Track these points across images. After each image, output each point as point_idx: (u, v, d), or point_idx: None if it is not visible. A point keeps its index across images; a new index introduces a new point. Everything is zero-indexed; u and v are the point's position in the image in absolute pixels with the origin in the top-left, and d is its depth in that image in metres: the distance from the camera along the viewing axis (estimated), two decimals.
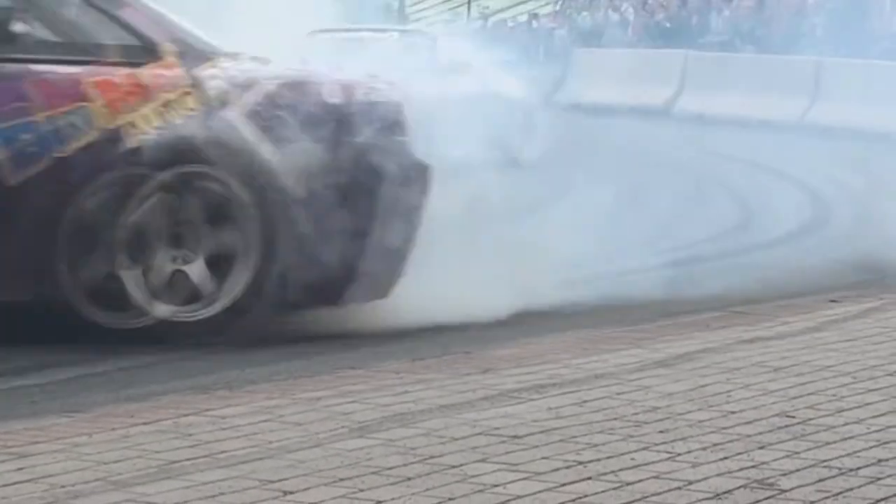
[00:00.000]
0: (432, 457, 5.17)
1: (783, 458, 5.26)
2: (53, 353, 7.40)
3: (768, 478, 4.99)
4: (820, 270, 11.27)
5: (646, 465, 5.13)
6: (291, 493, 4.72)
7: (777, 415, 5.98)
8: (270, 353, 7.66)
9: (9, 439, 5.35)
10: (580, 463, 5.11)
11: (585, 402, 6.14)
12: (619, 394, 6.33)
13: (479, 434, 5.52)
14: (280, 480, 4.86)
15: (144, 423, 5.66)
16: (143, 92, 7.85)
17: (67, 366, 7.20)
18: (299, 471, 4.98)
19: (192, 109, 7.85)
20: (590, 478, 4.91)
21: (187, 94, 7.88)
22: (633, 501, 4.67)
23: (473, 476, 4.94)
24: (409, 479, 4.89)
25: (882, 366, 7.18)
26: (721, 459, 5.21)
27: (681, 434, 5.58)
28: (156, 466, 4.96)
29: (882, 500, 4.82)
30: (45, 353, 7.37)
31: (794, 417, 5.94)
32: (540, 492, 4.76)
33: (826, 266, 11.51)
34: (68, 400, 6.36)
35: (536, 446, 5.36)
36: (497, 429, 5.61)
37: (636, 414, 5.92)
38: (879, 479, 5.03)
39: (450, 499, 4.64)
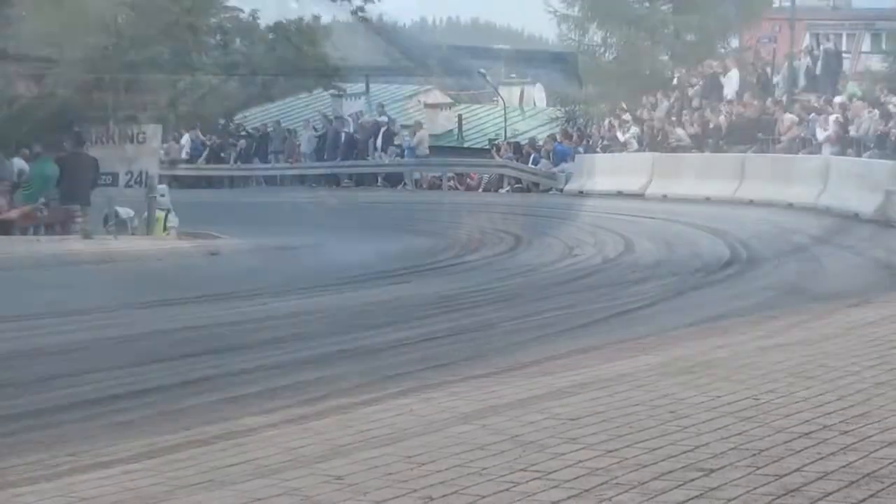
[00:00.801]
0: (517, 435, 5.06)
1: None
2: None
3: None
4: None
5: (664, 436, 4.98)
6: (424, 464, 4.63)
7: (746, 403, 5.82)
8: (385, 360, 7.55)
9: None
10: (619, 436, 4.98)
11: (617, 392, 5.99)
12: (639, 387, 6.14)
13: (548, 418, 5.37)
14: (417, 455, 4.74)
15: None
16: None
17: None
18: (424, 450, 4.88)
19: None
20: (628, 445, 4.80)
21: None
22: (659, 461, 4.54)
23: (548, 448, 4.82)
24: (502, 451, 4.79)
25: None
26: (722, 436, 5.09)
27: (685, 413, 5.45)
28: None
29: None
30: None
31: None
32: (592, 458, 4.64)
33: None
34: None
35: (587, 425, 5.21)
36: (559, 414, 5.47)
37: (652, 400, 5.77)
38: None
39: (532, 464, 4.55)
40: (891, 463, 4.47)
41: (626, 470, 4.42)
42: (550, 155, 30.91)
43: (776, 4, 35.00)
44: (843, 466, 4.44)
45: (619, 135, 29.51)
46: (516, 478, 4.35)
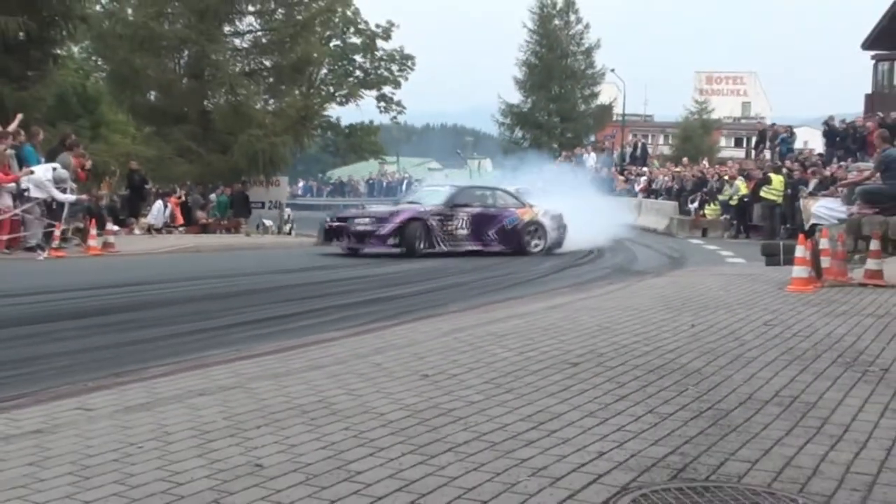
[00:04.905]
0: (474, 342, 7.32)
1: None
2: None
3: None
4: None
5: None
6: (423, 357, 6.89)
7: (597, 328, 8.29)
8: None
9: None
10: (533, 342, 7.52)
11: (535, 319, 8.51)
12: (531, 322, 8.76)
13: (488, 334, 7.63)
14: (419, 353, 6.87)
15: None
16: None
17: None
18: (424, 351, 7.08)
19: None
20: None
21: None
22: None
23: (481, 347, 6.96)
24: (465, 351, 6.86)
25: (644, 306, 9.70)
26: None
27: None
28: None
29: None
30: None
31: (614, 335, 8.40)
32: (512, 354, 6.90)
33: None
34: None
35: (512, 340, 7.56)
36: (494, 332, 7.77)
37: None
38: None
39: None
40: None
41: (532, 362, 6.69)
42: None
43: (615, 119, 63.21)
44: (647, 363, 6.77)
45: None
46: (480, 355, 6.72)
